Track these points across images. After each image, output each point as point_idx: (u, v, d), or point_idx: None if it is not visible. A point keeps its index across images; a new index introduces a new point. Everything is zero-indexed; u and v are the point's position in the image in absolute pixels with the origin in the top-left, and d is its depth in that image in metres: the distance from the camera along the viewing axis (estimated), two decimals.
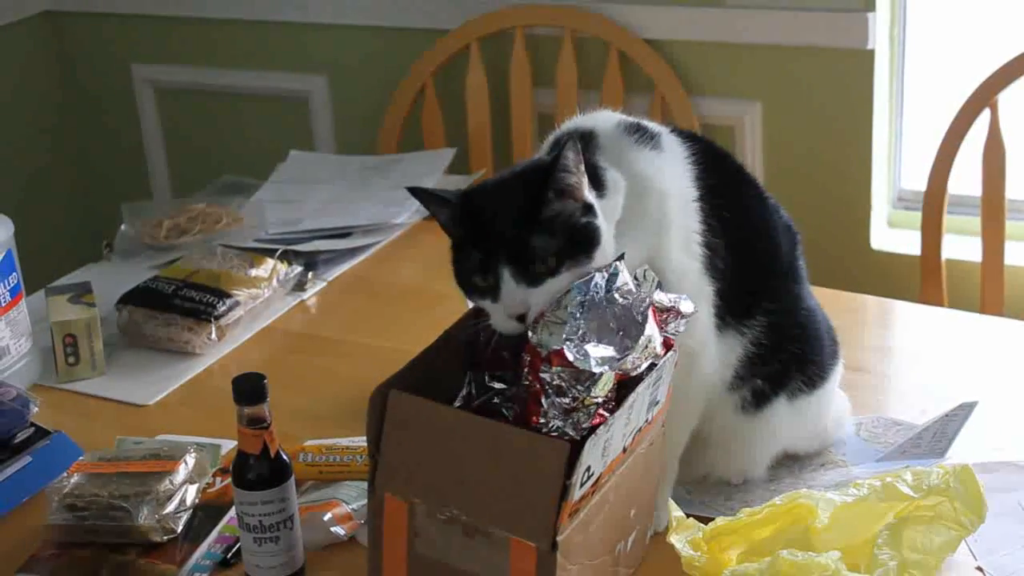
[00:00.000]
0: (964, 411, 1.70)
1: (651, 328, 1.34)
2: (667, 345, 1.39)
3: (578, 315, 1.32)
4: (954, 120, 2.48)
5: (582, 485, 1.27)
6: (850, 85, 2.70)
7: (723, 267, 1.52)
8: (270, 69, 3.30)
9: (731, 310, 1.54)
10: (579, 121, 1.54)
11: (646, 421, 1.40)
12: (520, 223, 1.36)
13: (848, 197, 2.76)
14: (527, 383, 1.31)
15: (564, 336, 1.30)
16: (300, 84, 3.27)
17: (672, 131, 1.56)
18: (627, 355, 1.30)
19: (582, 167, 1.38)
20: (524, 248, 1.35)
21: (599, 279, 1.35)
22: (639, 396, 1.34)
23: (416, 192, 1.44)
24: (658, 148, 1.51)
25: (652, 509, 1.53)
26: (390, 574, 1.39)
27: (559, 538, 1.28)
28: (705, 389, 1.56)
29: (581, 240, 1.37)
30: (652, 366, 1.37)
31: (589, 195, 1.39)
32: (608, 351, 1.30)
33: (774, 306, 1.58)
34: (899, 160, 2.82)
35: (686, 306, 1.40)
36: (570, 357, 1.29)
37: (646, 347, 1.33)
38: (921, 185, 2.56)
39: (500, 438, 1.30)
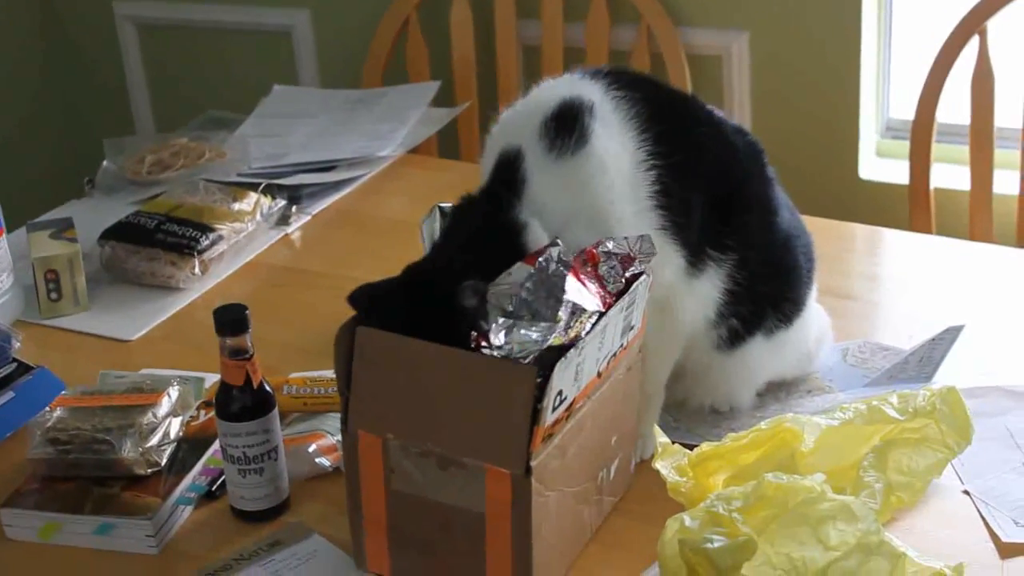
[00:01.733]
0: (951, 335, 1.70)
1: (575, 296, 1.32)
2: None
3: (525, 295, 1.32)
4: (942, 48, 2.46)
5: (554, 409, 1.27)
6: (838, 13, 2.67)
7: (685, 220, 1.49)
8: (253, 4, 3.27)
9: (705, 247, 1.53)
10: (509, 131, 1.49)
11: (621, 346, 1.40)
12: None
13: (836, 126, 2.75)
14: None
15: (500, 317, 1.30)
16: (283, 18, 3.23)
17: (611, 84, 1.51)
18: (549, 336, 1.28)
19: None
20: None
21: (550, 256, 1.35)
22: (611, 320, 1.34)
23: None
24: (584, 142, 1.45)
25: (634, 437, 1.53)
26: (369, 511, 1.39)
27: (533, 463, 1.28)
28: (683, 330, 1.56)
29: None
30: (623, 293, 1.37)
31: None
32: (532, 334, 1.28)
33: (746, 243, 1.56)
34: (887, 89, 2.80)
35: (645, 246, 1.40)
36: (494, 341, 1.27)
37: (573, 317, 1.30)
38: (909, 114, 2.54)
39: (469, 366, 1.29)
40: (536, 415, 1.25)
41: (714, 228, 1.53)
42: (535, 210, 1.43)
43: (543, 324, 1.28)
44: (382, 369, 1.33)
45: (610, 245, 1.39)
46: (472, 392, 1.29)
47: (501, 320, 1.29)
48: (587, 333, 1.30)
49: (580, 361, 1.30)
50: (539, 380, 1.25)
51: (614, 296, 1.37)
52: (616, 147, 1.47)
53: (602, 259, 1.38)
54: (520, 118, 1.50)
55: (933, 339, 1.71)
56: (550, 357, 1.27)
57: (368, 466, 1.37)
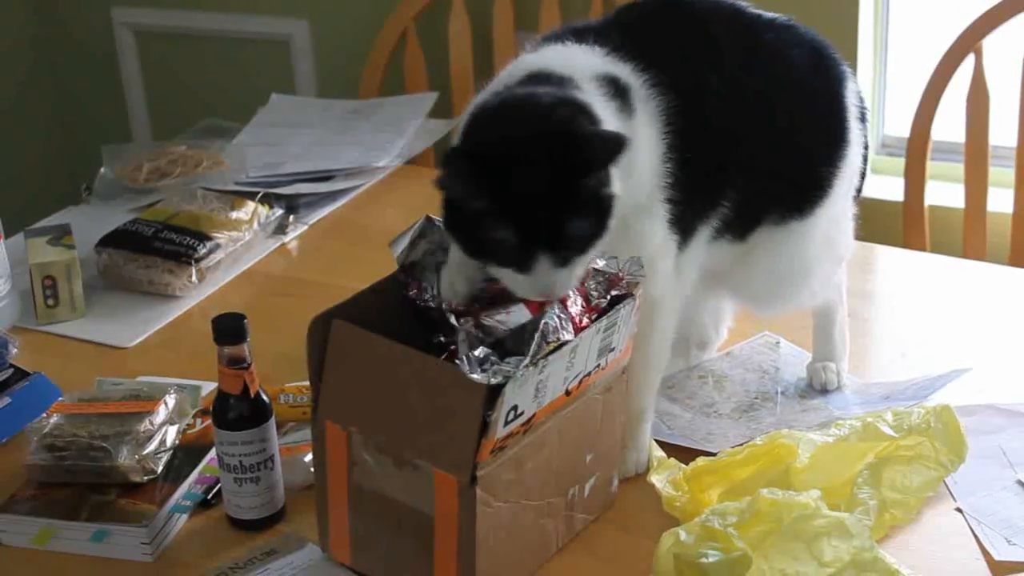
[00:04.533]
0: (954, 374, 1.69)
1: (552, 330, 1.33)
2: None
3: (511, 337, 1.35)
4: (938, 66, 2.47)
5: (508, 423, 1.28)
6: (834, 30, 2.66)
7: (682, 214, 1.49)
8: (251, 12, 3.27)
9: (696, 223, 1.52)
10: (552, 59, 1.46)
11: (597, 366, 1.39)
12: (556, 205, 1.31)
13: None
14: None
15: (478, 347, 1.31)
16: (282, 27, 3.24)
17: (637, 67, 1.47)
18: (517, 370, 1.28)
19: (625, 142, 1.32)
20: (561, 234, 1.32)
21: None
22: (584, 340, 1.34)
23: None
24: (632, 113, 1.44)
25: (616, 456, 1.53)
26: (334, 501, 1.42)
27: (479, 473, 1.29)
28: (669, 333, 1.56)
29: (604, 212, 1.34)
30: (604, 311, 1.38)
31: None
32: (504, 367, 1.28)
33: (739, 179, 1.53)
34: (883, 106, 2.81)
35: (634, 268, 1.41)
36: (470, 373, 1.28)
37: (540, 346, 1.30)
38: (905, 131, 2.55)
39: (428, 371, 1.32)
40: (486, 426, 1.26)
41: (709, 201, 1.53)
42: None
43: (514, 359, 1.28)
44: (352, 363, 1.36)
45: (600, 263, 1.40)
46: (429, 396, 1.31)
47: (477, 352, 1.29)
48: (550, 354, 1.30)
49: (542, 379, 1.29)
50: (489, 395, 1.25)
51: (595, 311, 1.38)
52: (649, 132, 1.45)
53: (591, 275, 1.40)
54: (559, 58, 1.46)
55: (934, 377, 1.70)
56: None
57: (334, 457, 1.40)
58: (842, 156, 1.60)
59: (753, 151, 1.54)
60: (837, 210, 1.63)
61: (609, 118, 1.40)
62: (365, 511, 1.40)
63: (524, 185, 1.32)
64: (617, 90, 1.44)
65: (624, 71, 1.47)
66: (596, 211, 1.34)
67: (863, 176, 1.70)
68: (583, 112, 1.37)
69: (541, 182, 1.32)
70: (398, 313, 1.43)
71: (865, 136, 1.65)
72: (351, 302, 1.41)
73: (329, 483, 1.41)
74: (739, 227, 1.57)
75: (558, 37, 1.54)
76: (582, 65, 1.45)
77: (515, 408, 1.28)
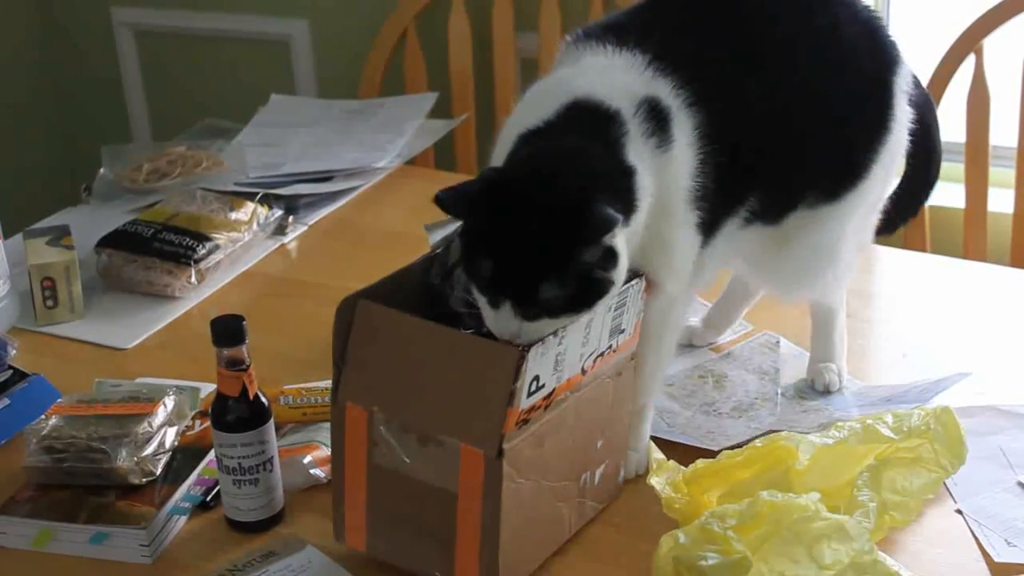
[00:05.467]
0: (954, 379, 1.69)
1: None
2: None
3: None
4: (939, 66, 2.47)
5: (531, 394, 1.29)
6: None
7: (709, 216, 1.49)
8: (251, 12, 3.27)
9: (721, 221, 1.52)
10: (596, 83, 1.43)
11: (609, 347, 1.41)
12: (536, 269, 1.31)
13: None
14: None
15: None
16: (281, 27, 3.23)
17: (675, 85, 1.44)
18: None
19: (617, 225, 1.31)
20: (532, 293, 1.31)
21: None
22: (596, 316, 1.35)
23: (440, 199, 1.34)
24: (671, 143, 1.43)
25: (624, 445, 1.54)
26: (351, 485, 1.42)
27: (506, 446, 1.29)
28: (679, 330, 1.57)
29: (591, 292, 1.33)
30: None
31: (618, 239, 1.33)
32: None
33: (772, 174, 1.52)
34: None
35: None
36: None
37: None
38: None
39: (457, 346, 1.33)
40: (511, 396, 1.27)
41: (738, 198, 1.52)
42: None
43: None
44: (377, 342, 1.37)
45: None
46: (456, 370, 1.32)
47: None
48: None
49: (561, 351, 1.31)
50: (517, 364, 1.26)
51: None
52: (685, 155, 1.45)
53: None
54: (602, 84, 1.43)
55: (934, 381, 1.70)
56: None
57: (353, 439, 1.40)
58: (883, 143, 1.59)
59: (792, 141, 1.52)
60: (874, 196, 1.63)
61: (646, 160, 1.40)
62: (384, 493, 1.40)
63: (512, 239, 1.32)
64: (658, 121, 1.42)
65: (665, 90, 1.44)
66: (582, 287, 1.32)
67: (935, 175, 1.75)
68: (615, 188, 1.36)
69: (528, 245, 1.31)
70: (419, 301, 1.43)
71: (911, 121, 1.63)
72: (375, 287, 1.41)
73: (347, 466, 1.41)
74: (773, 212, 1.56)
75: (599, 38, 1.49)
76: (626, 90, 1.43)
77: (537, 379, 1.29)
